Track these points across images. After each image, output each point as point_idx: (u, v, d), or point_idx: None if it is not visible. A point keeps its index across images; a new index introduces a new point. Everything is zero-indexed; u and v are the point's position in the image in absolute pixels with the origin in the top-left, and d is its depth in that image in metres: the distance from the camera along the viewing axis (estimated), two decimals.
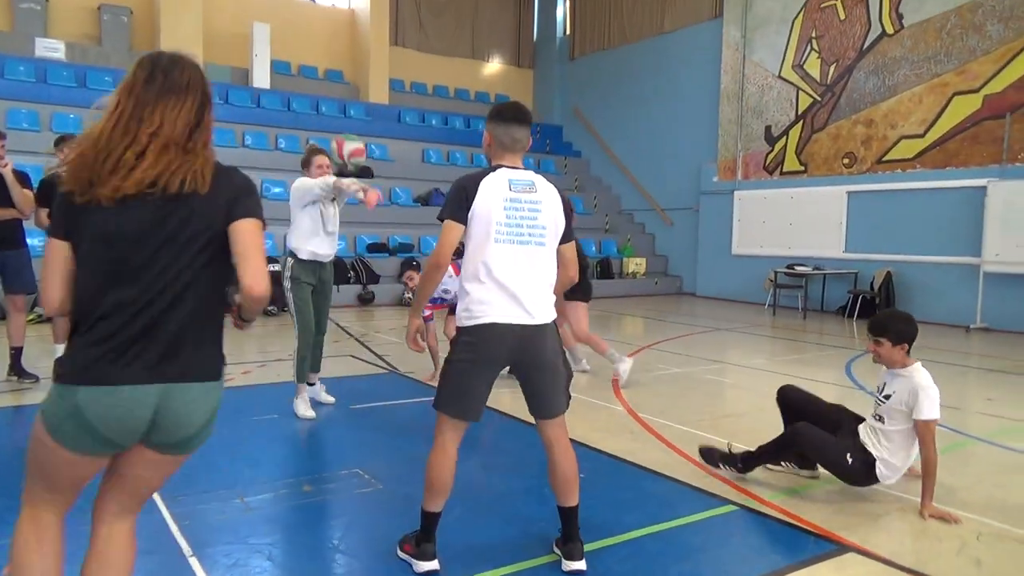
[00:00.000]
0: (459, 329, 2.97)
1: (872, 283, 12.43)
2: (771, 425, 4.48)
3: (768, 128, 14.56)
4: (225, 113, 15.20)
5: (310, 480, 4.02)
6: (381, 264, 13.31)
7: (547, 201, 3.00)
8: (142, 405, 1.89)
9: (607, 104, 18.74)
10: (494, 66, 20.98)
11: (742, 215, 14.84)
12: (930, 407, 3.67)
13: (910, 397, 3.72)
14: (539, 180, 3.04)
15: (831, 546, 3.31)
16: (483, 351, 2.90)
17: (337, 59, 18.42)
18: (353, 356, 7.90)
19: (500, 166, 3.00)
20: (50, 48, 14.41)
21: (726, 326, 11.18)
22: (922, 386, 3.71)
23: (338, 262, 12.72)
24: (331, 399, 5.69)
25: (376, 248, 13.68)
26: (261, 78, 16.35)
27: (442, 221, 2.91)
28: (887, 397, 3.85)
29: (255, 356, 7.83)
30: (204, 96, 2.09)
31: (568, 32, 20.33)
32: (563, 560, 3.03)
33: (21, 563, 1.98)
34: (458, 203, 2.90)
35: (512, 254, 2.90)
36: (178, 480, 3.84)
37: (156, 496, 3.66)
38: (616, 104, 18.41)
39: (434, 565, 2.94)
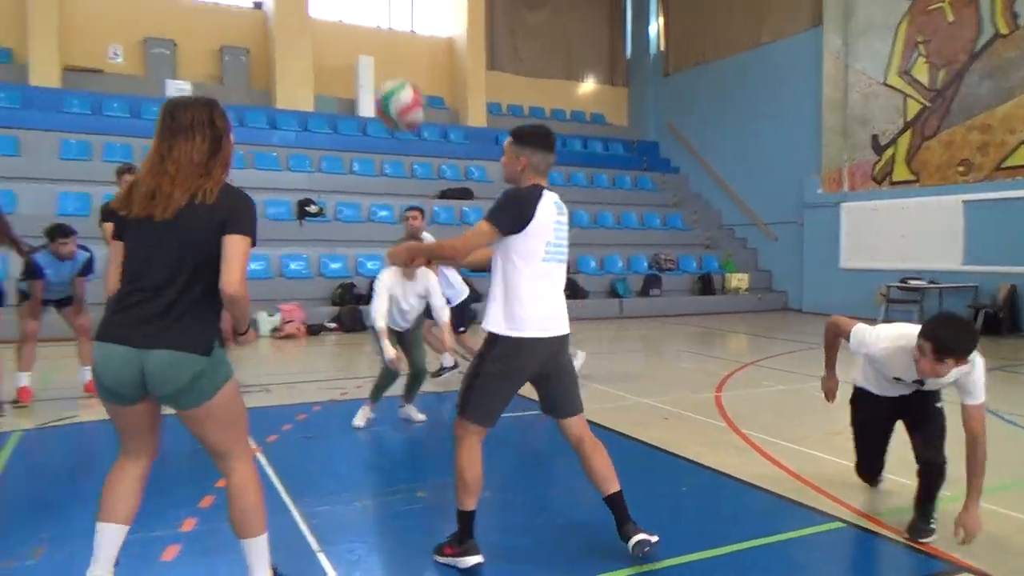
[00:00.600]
0: (493, 339, 3.06)
1: (996, 297, 11.76)
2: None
3: (875, 137, 14.07)
4: (333, 142, 16.07)
5: (423, 487, 4.26)
6: (482, 282, 13.63)
7: (565, 223, 3.22)
8: (128, 363, 2.42)
9: (703, 119, 18.58)
10: (588, 86, 21.19)
11: (850, 227, 14.35)
12: (981, 389, 3.35)
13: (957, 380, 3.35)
14: (560, 202, 3.20)
15: (943, 565, 3.25)
16: (517, 365, 3.06)
17: (437, 86, 19.10)
18: (462, 371, 8.16)
19: (541, 187, 3.11)
20: (178, 88, 15.65)
21: None
22: (976, 365, 3.32)
23: None
24: (422, 417, 5.89)
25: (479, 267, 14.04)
26: (366, 107, 17.17)
27: (486, 221, 3.00)
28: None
29: (366, 372, 8.23)
30: (214, 130, 2.53)
31: (662, 49, 20.31)
32: (631, 543, 3.12)
33: (105, 489, 2.61)
34: (514, 215, 2.99)
35: (553, 271, 3.12)
36: (303, 484, 4.20)
37: (286, 497, 4.01)
38: (713, 118, 18.22)
39: (480, 558, 3.10)
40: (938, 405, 3.70)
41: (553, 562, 3.27)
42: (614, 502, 3.22)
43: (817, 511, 3.90)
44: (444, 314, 5.58)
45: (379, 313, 5.27)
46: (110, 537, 2.58)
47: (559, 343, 3.15)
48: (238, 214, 2.49)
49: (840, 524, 3.72)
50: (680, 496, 4.26)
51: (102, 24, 15.51)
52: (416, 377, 5.81)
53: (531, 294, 3.03)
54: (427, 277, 5.55)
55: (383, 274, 5.47)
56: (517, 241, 3.00)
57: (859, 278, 14.03)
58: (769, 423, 5.80)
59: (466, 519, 3.15)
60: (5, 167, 12.34)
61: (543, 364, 3.12)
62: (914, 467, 3.61)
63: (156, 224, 2.44)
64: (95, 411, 5.38)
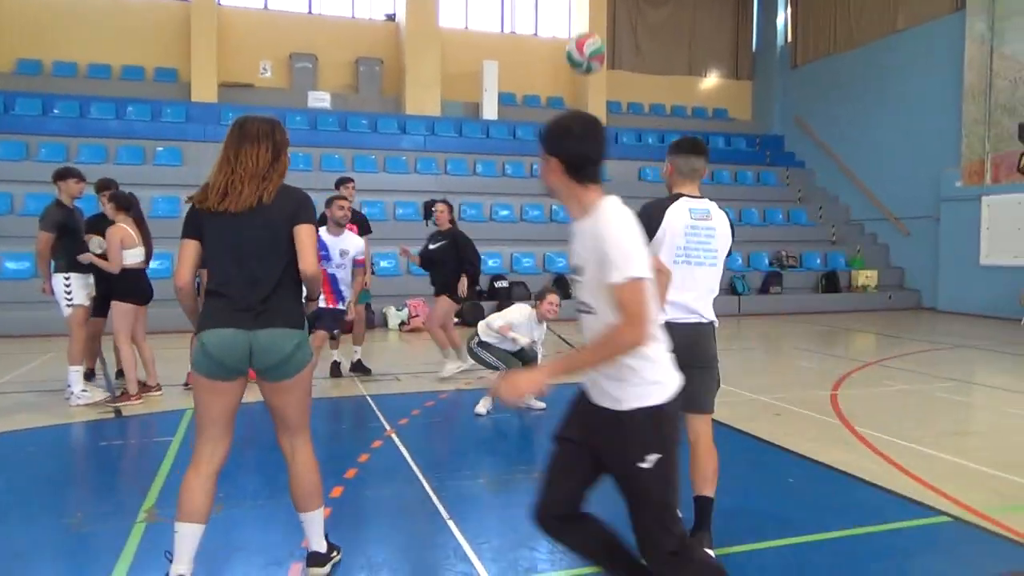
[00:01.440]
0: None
1: None
2: (1007, 446, 4.35)
3: (1021, 127, 13.19)
4: (459, 144, 16.80)
5: (541, 468, 4.64)
6: None
7: (720, 227, 3.38)
8: (239, 342, 2.80)
9: (832, 111, 17.95)
10: (711, 80, 20.92)
11: (991, 222, 13.53)
12: None
13: None
14: (713, 207, 3.42)
15: None
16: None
17: (558, 86, 19.50)
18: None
19: (680, 195, 3.38)
20: (319, 99, 16.89)
21: (969, 343, 10.35)
22: None
23: (560, 278, 13.57)
24: (541, 404, 6.21)
25: None
26: (490, 111, 17.81)
27: None
28: None
29: None
30: (273, 144, 2.94)
31: (790, 40, 19.75)
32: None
33: (182, 493, 2.84)
34: (644, 227, 3.23)
35: (688, 273, 3.27)
36: (432, 462, 4.69)
37: (417, 471, 4.51)
38: (842, 110, 17.58)
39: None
40: None
41: None
42: (702, 505, 3.33)
43: (924, 505, 3.98)
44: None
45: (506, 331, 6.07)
46: (189, 536, 2.81)
47: (701, 331, 3.29)
48: (304, 207, 2.94)
49: (947, 519, 3.79)
50: (786, 487, 4.42)
51: (253, 43, 16.95)
52: (528, 365, 6.20)
53: (668, 290, 3.21)
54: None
55: (520, 314, 6.14)
56: (656, 246, 3.24)
57: (1001, 276, 13.21)
58: (885, 422, 5.78)
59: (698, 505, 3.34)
60: (171, 176, 13.84)
61: (682, 353, 3.01)
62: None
63: (233, 218, 2.84)
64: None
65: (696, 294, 3.30)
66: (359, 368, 7.78)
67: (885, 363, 8.71)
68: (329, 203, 6.67)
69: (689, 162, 3.44)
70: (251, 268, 2.85)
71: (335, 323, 6.83)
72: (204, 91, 15.93)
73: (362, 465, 4.69)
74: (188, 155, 14.44)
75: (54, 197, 6.46)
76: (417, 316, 11.82)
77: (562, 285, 13.44)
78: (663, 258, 3.22)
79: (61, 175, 6.43)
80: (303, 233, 2.91)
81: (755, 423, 5.73)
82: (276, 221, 2.88)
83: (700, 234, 3.32)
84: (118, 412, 6.06)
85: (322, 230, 6.31)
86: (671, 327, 3.08)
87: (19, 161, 13.34)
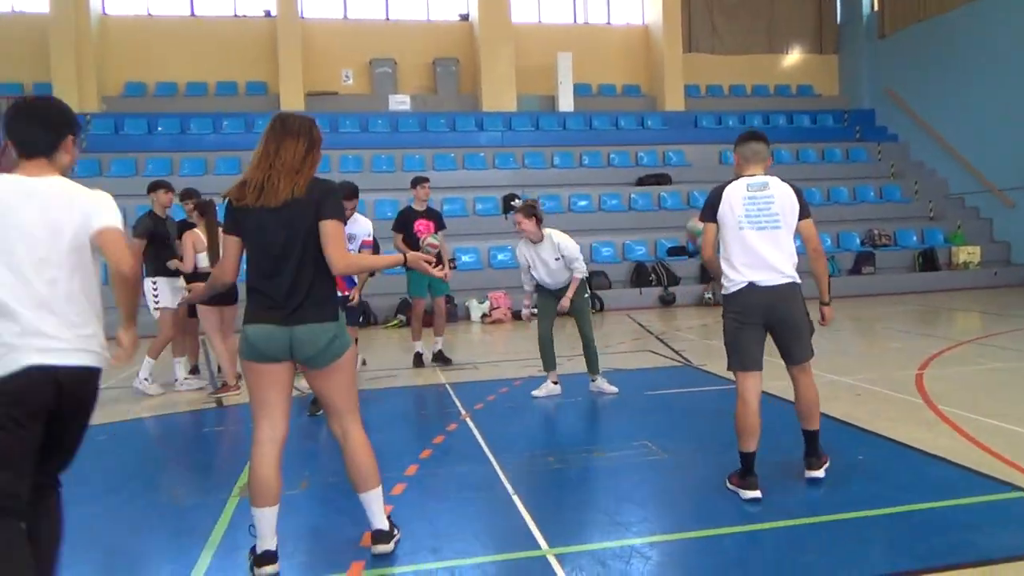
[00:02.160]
0: (724, 300, 3.93)
1: None
2: None
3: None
4: (536, 138, 16.98)
5: (604, 448, 4.77)
6: (681, 266, 13.82)
7: (779, 195, 3.81)
8: (280, 336, 2.97)
9: (925, 81, 17.08)
10: (794, 57, 20.28)
11: None
12: None
13: None
14: (772, 179, 3.86)
15: None
16: (742, 313, 3.79)
17: (633, 74, 19.37)
18: (652, 351, 8.55)
19: (740, 176, 3.90)
20: (399, 102, 17.43)
21: None
22: None
23: (639, 266, 13.56)
24: (614, 389, 6.34)
25: (675, 251, 14.22)
26: (566, 103, 17.89)
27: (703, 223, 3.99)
28: None
29: (564, 352, 8.87)
30: (310, 139, 3.05)
31: (876, 8, 18.89)
32: (805, 470, 3.96)
33: (251, 481, 3.05)
34: (709, 208, 3.92)
35: (754, 237, 3.77)
36: (502, 443, 4.88)
37: (487, 450, 4.72)
38: (936, 79, 16.70)
39: (757, 494, 3.69)
40: None
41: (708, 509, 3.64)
42: (809, 437, 3.99)
43: (998, 480, 3.87)
44: (578, 267, 6.10)
45: (524, 279, 6.27)
46: (268, 518, 3.02)
47: (781, 291, 3.77)
48: (328, 200, 3.00)
49: (1021, 494, 3.69)
50: (854, 463, 4.37)
51: (335, 52, 17.66)
52: (586, 347, 6.30)
53: (736, 257, 3.81)
54: (551, 237, 6.08)
55: (520, 254, 6.25)
56: (719, 223, 3.86)
57: None
58: (971, 400, 5.58)
59: (744, 459, 3.80)
60: None
61: (764, 313, 3.77)
62: None
63: (268, 213, 2.94)
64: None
65: (770, 255, 3.77)
66: (440, 358, 8.07)
67: (981, 342, 8.34)
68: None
69: (749, 147, 3.93)
70: (284, 265, 2.96)
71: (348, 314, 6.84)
72: (292, 101, 16.72)
73: (436, 446, 4.94)
74: None
75: (148, 208, 7.11)
76: (498, 308, 12.08)
77: (643, 274, 13.42)
78: (729, 227, 3.82)
79: (152, 187, 7.14)
80: (328, 228, 2.98)
81: (832, 404, 5.62)
82: (305, 216, 2.97)
83: (759, 202, 3.80)
84: (219, 402, 6.56)
85: None
86: (752, 288, 3.77)
87: (129, 177, 14.42)
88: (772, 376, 6.86)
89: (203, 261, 6.75)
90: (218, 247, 6.95)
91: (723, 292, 3.92)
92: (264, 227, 2.97)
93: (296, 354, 3.02)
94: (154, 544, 3.55)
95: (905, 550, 3.16)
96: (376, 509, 3.23)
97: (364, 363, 7.61)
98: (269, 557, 3.05)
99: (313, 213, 2.98)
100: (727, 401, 6.03)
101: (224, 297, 6.89)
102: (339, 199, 3.11)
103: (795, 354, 3.88)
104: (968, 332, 9.42)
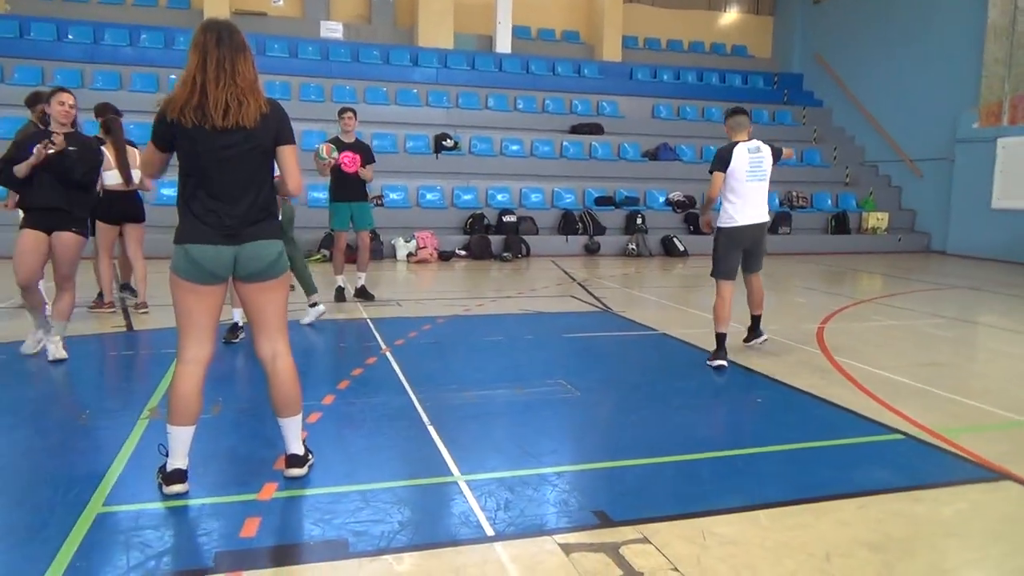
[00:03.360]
0: (720, 229, 5.63)
1: None
2: (975, 374, 4.47)
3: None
4: (470, 78, 16.69)
5: (520, 385, 4.89)
6: (607, 216, 14.02)
7: (766, 154, 5.60)
8: (225, 254, 2.98)
9: (853, 48, 17.58)
10: (731, 15, 20.48)
11: (1005, 165, 13.38)
12: None
13: None
14: (761, 143, 5.60)
15: (991, 474, 3.49)
16: (735, 240, 5.60)
17: (573, 20, 19.19)
18: (573, 297, 8.73)
19: (738, 142, 5.56)
20: (331, 29, 16.80)
21: (972, 284, 10.42)
22: None
23: (567, 214, 13.68)
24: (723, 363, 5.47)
25: (603, 201, 14.40)
26: (503, 44, 17.61)
27: (712, 173, 5.58)
28: None
29: (491, 293, 8.97)
30: (251, 52, 3.00)
31: None
32: (750, 341, 6.04)
33: (172, 399, 3.05)
34: (722, 162, 5.53)
35: (752, 187, 5.54)
36: (422, 376, 4.95)
37: (406, 384, 4.78)
38: (863, 48, 17.21)
39: (724, 363, 5.39)
40: None
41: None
42: (755, 320, 6.07)
43: (880, 424, 4.19)
44: None
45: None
46: (183, 437, 3.05)
47: (757, 228, 5.64)
48: (286, 125, 3.04)
49: (900, 436, 4.01)
50: (753, 405, 4.65)
51: None
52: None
53: (739, 201, 5.53)
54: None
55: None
56: (727, 175, 5.52)
57: (1013, 220, 13.14)
58: (863, 353, 5.97)
59: (719, 339, 5.51)
60: None
61: (748, 241, 5.65)
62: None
63: (236, 133, 2.88)
64: None
65: (758, 201, 5.59)
66: (363, 294, 8.03)
67: (880, 301, 8.84)
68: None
69: (736, 120, 5.64)
70: (244, 184, 2.97)
71: None
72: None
73: (354, 378, 4.97)
74: None
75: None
76: (425, 248, 12.03)
77: (570, 221, 13.57)
78: (737, 178, 5.48)
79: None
80: (288, 153, 3.07)
81: (737, 353, 5.91)
82: (268, 137, 2.99)
83: (755, 161, 5.53)
84: (130, 327, 6.38)
85: None
86: (747, 226, 5.56)
87: (35, 86, 13.47)
88: (686, 323, 7.09)
89: (110, 179, 6.60)
90: (127, 164, 6.73)
91: (721, 224, 5.59)
92: (227, 147, 2.90)
93: (240, 270, 3.04)
94: (63, 463, 3.48)
95: (790, 482, 3.40)
96: (294, 434, 3.27)
97: (292, 288, 7.51)
98: (179, 475, 3.05)
99: (274, 135, 3.01)
100: (639, 346, 6.31)
101: (117, 216, 6.73)
102: (290, 122, 3.12)
103: (757, 265, 5.90)
104: (869, 292, 9.96)
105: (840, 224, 15.22)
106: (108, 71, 14.20)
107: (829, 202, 15.86)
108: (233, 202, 2.96)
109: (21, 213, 5.18)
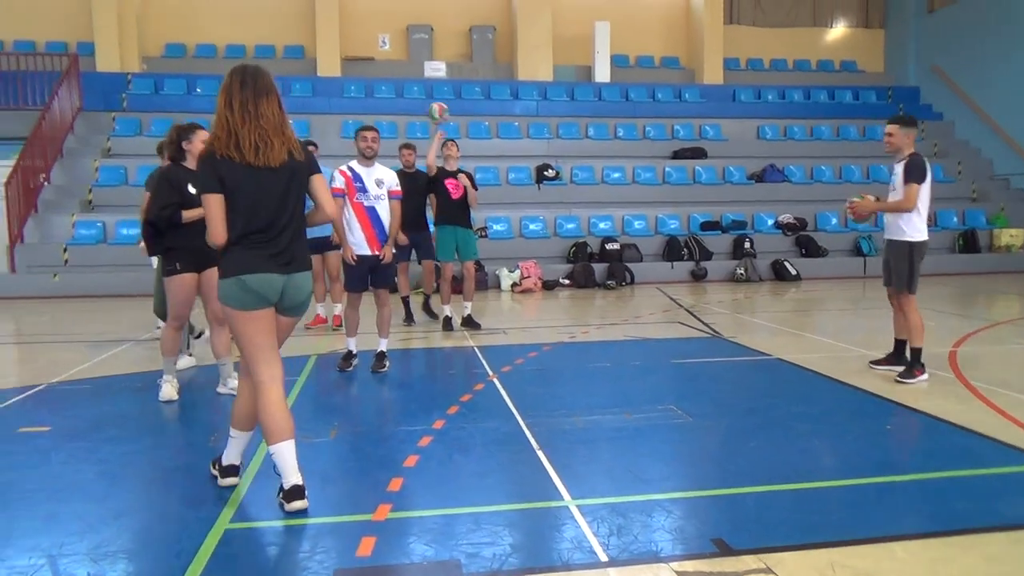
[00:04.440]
0: (912, 244, 5.53)
1: None
2: None
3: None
4: (571, 108, 16.83)
5: (629, 410, 4.80)
6: (714, 241, 13.69)
7: None
8: (276, 283, 3.19)
9: (972, 57, 16.57)
10: (838, 31, 19.78)
11: None
12: None
13: None
14: None
15: None
16: (923, 254, 5.60)
17: (673, 46, 19.06)
18: (681, 323, 8.53)
19: (915, 151, 5.51)
20: (435, 69, 17.37)
21: None
22: None
23: (671, 240, 13.46)
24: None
25: (709, 226, 14.08)
26: (602, 73, 17.68)
27: (907, 183, 5.38)
28: None
29: (595, 320, 8.91)
30: (278, 95, 3.21)
31: None
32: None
33: (263, 420, 3.21)
34: (923, 173, 5.37)
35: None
36: (530, 402, 4.95)
37: (514, 409, 4.79)
38: (983, 56, 16.20)
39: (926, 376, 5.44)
40: None
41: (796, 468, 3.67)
42: (899, 345, 5.84)
43: None
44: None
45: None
46: (287, 453, 3.16)
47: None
48: (312, 157, 3.32)
49: None
50: (881, 432, 4.36)
51: (373, 16, 17.62)
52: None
53: (925, 213, 5.50)
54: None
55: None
56: (922, 187, 5.40)
57: None
58: (1005, 377, 5.51)
59: (917, 353, 5.49)
60: None
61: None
62: None
63: (269, 171, 3.10)
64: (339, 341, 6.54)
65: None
66: (469, 323, 8.14)
67: (1019, 323, 8.18)
68: (356, 134, 6.18)
69: (910, 133, 5.55)
70: (283, 218, 3.18)
71: (382, 274, 6.08)
72: (328, 66, 16.77)
73: (463, 403, 5.02)
74: (314, 127, 15.30)
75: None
76: (528, 277, 12.11)
77: (672, 248, 13.32)
78: (925, 192, 5.42)
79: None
80: (320, 181, 3.34)
81: (861, 377, 5.62)
82: (302, 172, 3.24)
83: None
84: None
85: (353, 163, 6.08)
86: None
87: None
88: (801, 348, 6.82)
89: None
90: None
91: (912, 238, 5.49)
92: (262, 183, 3.12)
93: (284, 301, 3.27)
94: (194, 482, 3.67)
95: (928, 513, 3.15)
96: (291, 463, 3.19)
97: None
98: (297, 492, 3.15)
99: (306, 171, 3.27)
100: (753, 371, 6.07)
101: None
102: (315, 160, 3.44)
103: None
104: (1007, 314, 9.24)
105: (969, 242, 14.23)
106: None
107: (955, 219, 14.89)
108: (279, 234, 3.18)
109: (154, 259, 5.39)
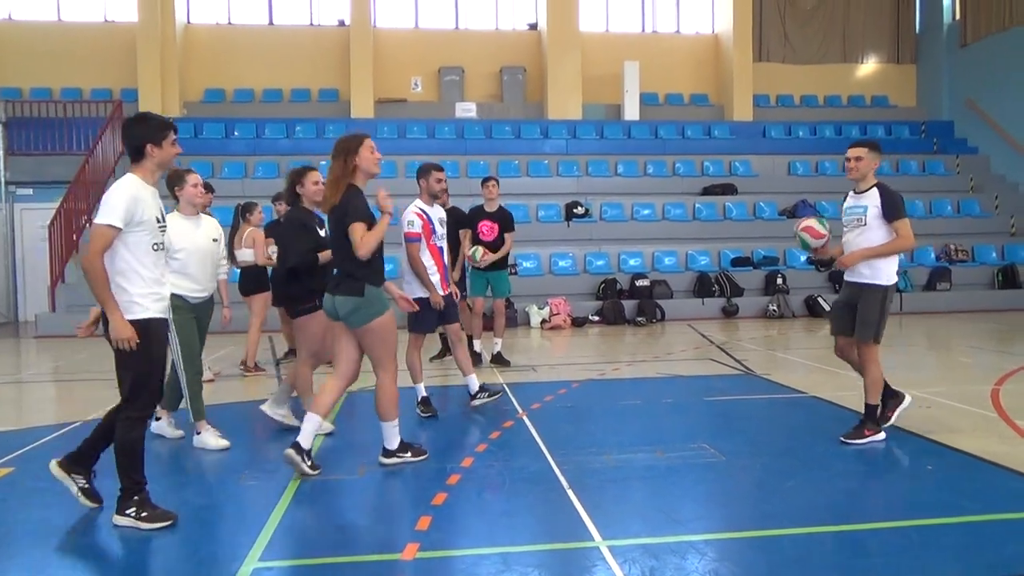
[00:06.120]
0: (886, 288, 4.73)
1: None
2: None
3: None
4: (600, 146, 16.94)
5: (661, 449, 4.72)
6: (745, 277, 13.55)
7: None
8: (330, 301, 4.28)
9: (1007, 90, 16.37)
10: (869, 66, 19.71)
11: None
12: None
13: None
14: None
15: None
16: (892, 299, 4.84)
17: (702, 83, 19.14)
18: (713, 360, 8.43)
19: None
20: (466, 109, 17.65)
21: None
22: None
23: (702, 276, 13.36)
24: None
25: (740, 262, 13.96)
26: (632, 111, 17.80)
27: (900, 220, 4.69)
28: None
29: (625, 357, 8.83)
30: (346, 155, 4.21)
31: (958, 17, 18.22)
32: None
33: (321, 392, 4.40)
34: (903, 207, 4.75)
35: None
36: (559, 439, 4.90)
37: (543, 447, 4.75)
38: (1018, 88, 15.99)
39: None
40: None
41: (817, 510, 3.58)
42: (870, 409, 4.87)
43: None
44: None
45: None
46: (315, 423, 4.24)
47: None
48: (349, 209, 4.11)
49: None
50: (922, 473, 4.24)
51: (405, 60, 18.02)
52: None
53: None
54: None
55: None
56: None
57: None
58: None
59: (874, 410, 4.83)
60: None
61: None
62: None
63: (329, 215, 4.24)
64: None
65: None
66: (499, 360, 8.12)
67: None
68: (426, 173, 6.00)
69: (880, 156, 4.99)
70: (336, 254, 4.30)
71: (453, 314, 5.99)
72: (362, 108, 17.12)
73: (492, 440, 4.99)
74: None
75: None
76: (558, 314, 12.09)
77: (705, 284, 13.25)
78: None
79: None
80: (356, 230, 4.12)
81: (901, 416, 5.47)
82: (343, 218, 4.13)
83: None
84: None
85: (418, 203, 5.85)
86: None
87: (206, 179, 14.94)
88: (837, 386, 6.68)
89: (241, 256, 7.36)
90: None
91: (885, 282, 4.72)
92: (329, 228, 4.39)
93: (338, 315, 4.27)
94: (223, 519, 3.68)
95: (973, 558, 3.04)
96: (389, 435, 4.42)
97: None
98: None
99: (343, 215, 4.15)
100: (787, 409, 5.95)
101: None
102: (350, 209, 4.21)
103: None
104: None
105: (1009, 278, 13.90)
106: (268, 161, 15.56)
107: (994, 254, 14.57)
108: (335, 265, 4.37)
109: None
